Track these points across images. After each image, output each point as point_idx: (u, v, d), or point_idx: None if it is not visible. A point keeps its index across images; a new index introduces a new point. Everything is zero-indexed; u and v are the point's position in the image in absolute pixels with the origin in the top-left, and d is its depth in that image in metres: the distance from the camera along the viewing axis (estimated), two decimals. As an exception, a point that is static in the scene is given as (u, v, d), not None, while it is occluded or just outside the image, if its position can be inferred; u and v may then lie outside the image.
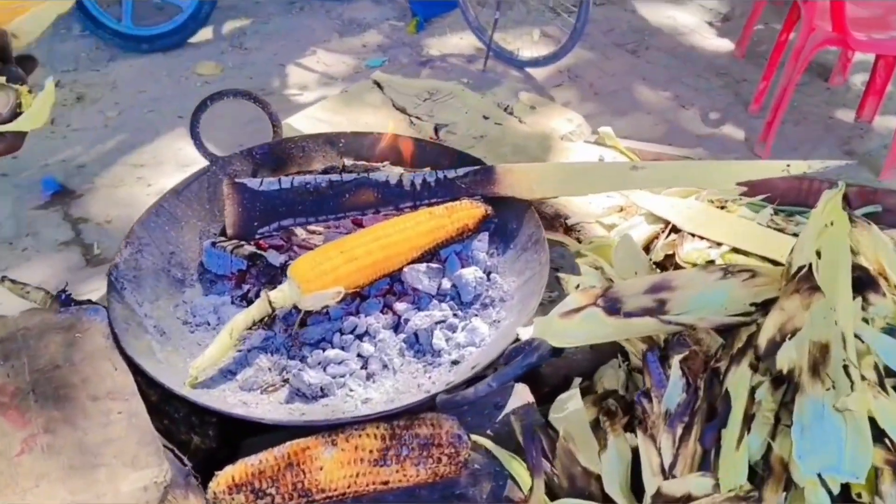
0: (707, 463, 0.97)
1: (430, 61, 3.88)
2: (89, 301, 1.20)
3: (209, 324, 1.25)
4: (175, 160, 3.11)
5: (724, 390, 1.02)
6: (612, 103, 3.68)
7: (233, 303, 1.28)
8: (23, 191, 3.14)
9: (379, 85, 1.97)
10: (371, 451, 0.99)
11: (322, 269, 1.21)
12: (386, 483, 1.00)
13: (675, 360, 1.01)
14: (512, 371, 0.98)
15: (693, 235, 1.44)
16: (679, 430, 0.97)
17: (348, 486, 0.98)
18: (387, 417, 1.03)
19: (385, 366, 1.19)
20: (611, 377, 1.25)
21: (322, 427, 1.02)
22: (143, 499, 0.93)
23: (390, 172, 1.36)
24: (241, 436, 1.10)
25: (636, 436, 1.04)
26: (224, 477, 0.97)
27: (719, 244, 1.43)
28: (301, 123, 1.83)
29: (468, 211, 1.31)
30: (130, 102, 3.52)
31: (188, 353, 1.19)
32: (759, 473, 0.99)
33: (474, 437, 1.10)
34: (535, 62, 3.79)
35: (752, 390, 1.01)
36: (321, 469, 0.97)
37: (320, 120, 1.84)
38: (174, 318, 1.25)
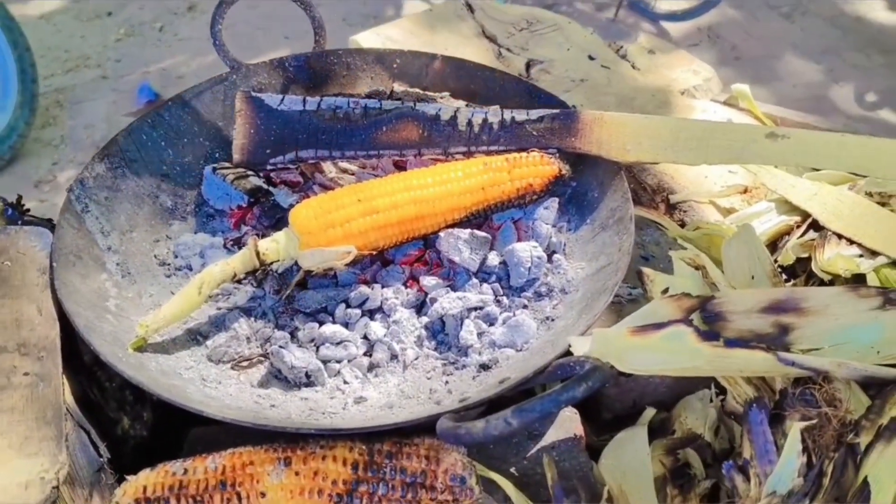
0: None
1: (556, 4, 3.50)
2: (42, 220, 0.96)
3: (191, 268, 0.99)
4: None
5: (863, 480, 0.67)
6: (754, 70, 3.24)
7: (225, 247, 1.02)
8: (120, 95, 3.07)
9: (470, 7, 1.64)
10: (335, 482, 0.71)
11: (330, 218, 0.92)
12: (351, 528, 0.72)
13: (795, 428, 0.67)
14: (542, 406, 0.66)
15: (840, 237, 1.06)
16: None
17: (297, 525, 0.71)
18: (366, 436, 0.74)
19: (394, 356, 0.90)
20: (696, 414, 0.92)
21: (278, 434, 0.75)
22: (19, 498, 0.68)
23: (444, 105, 1.05)
24: (187, 421, 0.84)
25: (718, 517, 0.72)
26: (133, 486, 0.71)
27: (875, 253, 1.05)
28: (369, 41, 1.53)
29: (536, 167, 0.99)
30: (240, 17, 3.34)
31: (154, 301, 0.94)
32: None
33: (492, 474, 0.80)
34: (673, 16, 3.38)
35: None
36: (263, 496, 0.70)
37: (392, 40, 1.54)
38: (149, 255, 1.00)
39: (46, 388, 0.76)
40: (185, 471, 0.72)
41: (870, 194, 1.15)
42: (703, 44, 3.39)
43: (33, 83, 2.81)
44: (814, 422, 0.67)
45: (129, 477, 0.72)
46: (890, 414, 0.70)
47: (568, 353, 0.80)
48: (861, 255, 1.05)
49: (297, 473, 0.71)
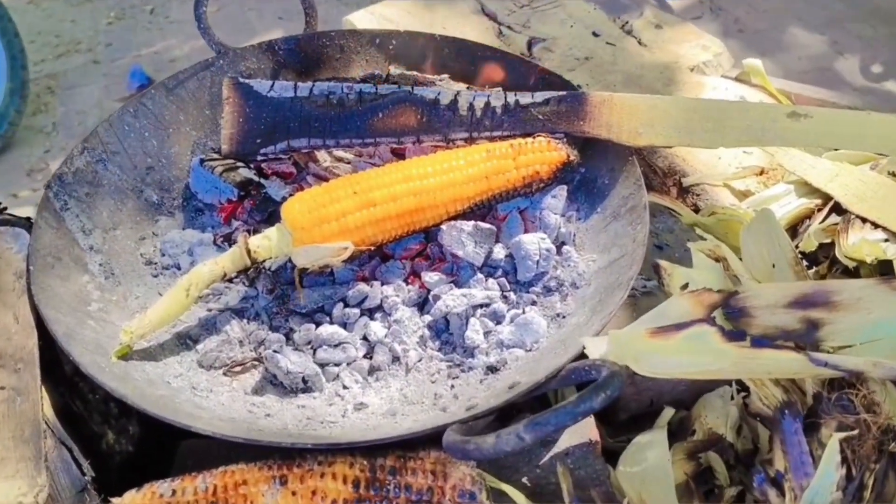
0: None
1: (556, -21, 3.42)
2: (19, 220, 0.90)
3: (179, 267, 0.94)
4: (268, 64, 2.88)
5: (906, 489, 0.62)
6: (758, 43, 3.17)
7: (215, 243, 0.96)
8: (111, 80, 3.01)
9: (469, -17, 1.57)
10: (335, 502, 0.66)
11: (325, 213, 0.87)
12: (354, 549, 0.67)
13: (834, 439, 0.62)
14: (556, 419, 0.61)
15: (864, 220, 1.01)
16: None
17: (295, 548, 0.66)
18: (367, 449, 0.69)
19: (396, 358, 0.85)
20: (718, 413, 0.87)
21: (276, 448, 0.70)
22: (-5, 526, 0.63)
23: (444, 89, 0.99)
24: (177, 435, 0.79)
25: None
26: (119, 508, 0.66)
27: (901, 237, 1.00)
28: (364, 21, 1.47)
29: (542, 153, 0.93)
30: (235, -1, 3.28)
31: (141, 304, 0.89)
32: None
33: (503, 486, 0.75)
34: (675, -12, 3.29)
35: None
36: (257, 518, 0.65)
37: (388, 19, 1.48)
38: (135, 254, 0.94)
39: (24, 403, 0.71)
40: (174, 492, 0.67)
41: (893, 174, 1.09)
42: (706, 16, 3.30)
43: (23, 70, 2.74)
44: (855, 432, 0.62)
45: (113, 500, 0.67)
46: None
47: (581, 354, 0.75)
48: (887, 240, 0.99)
49: (293, 493, 0.66)
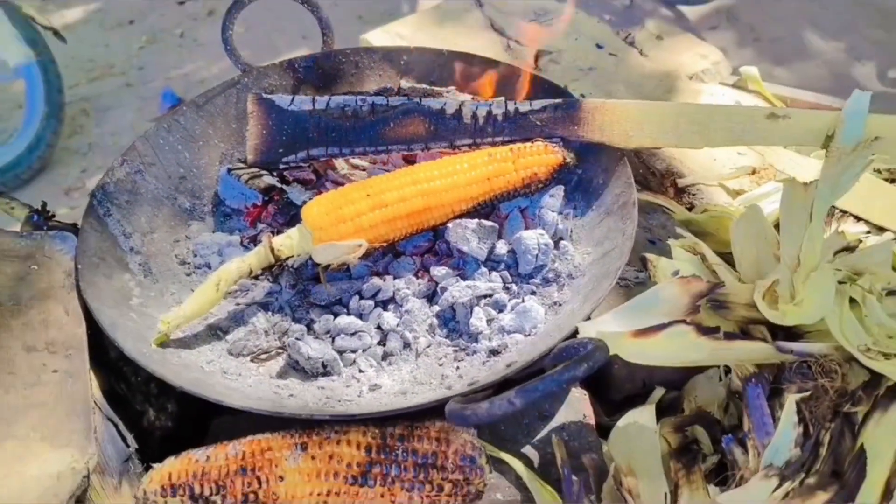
0: (821, 556, 0.65)
1: (573, -12, 3.50)
2: (66, 225, 1.00)
3: (210, 266, 1.03)
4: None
5: (860, 448, 0.69)
6: (774, 51, 3.22)
7: (242, 244, 1.05)
8: (144, 102, 3.13)
9: (479, 1, 1.66)
10: (350, 465, 0.74)
11: (341, 213, 0.95)
12: (367, 508, 0.75)
13: (791, 400, 0.69)
14: (544, 386, 0.69)
15: (848, 215, 1.07)
16: (778, 498, 0.65)
17: (315, 507, 0.74)
18: (379, 420, 0.77)
19: (407, 344, 0.93)
20: (706, 392, 0.94)
21: (297, 421, 0.78)
22: (52, 489, 0.72)
23: (449, 100, 1.07)
24: (210, 413, 0.88)
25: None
26: (159, 473, 0.75)
27: (882, 230, 1.06)
28: (379, 39, 1.56)
29: (540, 156, 1.01)
30: (258, 19, 3.40)
31: (176, 299, 0.98)
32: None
33: (502, 454, 0.82)
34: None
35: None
36: (281, 479, 0.73)
37: (402, 37, 1.57)
38: (170, 255, 1.04)
39: (75, 384, 0.80)
40: (208, 458, 0.75)
41: (878, 171, 1.15)
42: (722, 26, 3.36)
43: (59, 93, 2.87)
44: (809, 393, 0.69)
45: (155, 465, 0.76)
46: (887, 384, 0.72)
47: (574, 335, 0.82)
48: (868, 232, 1.06)
49: (313, 457, 0.74)
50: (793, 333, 0.82)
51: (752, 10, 3.41)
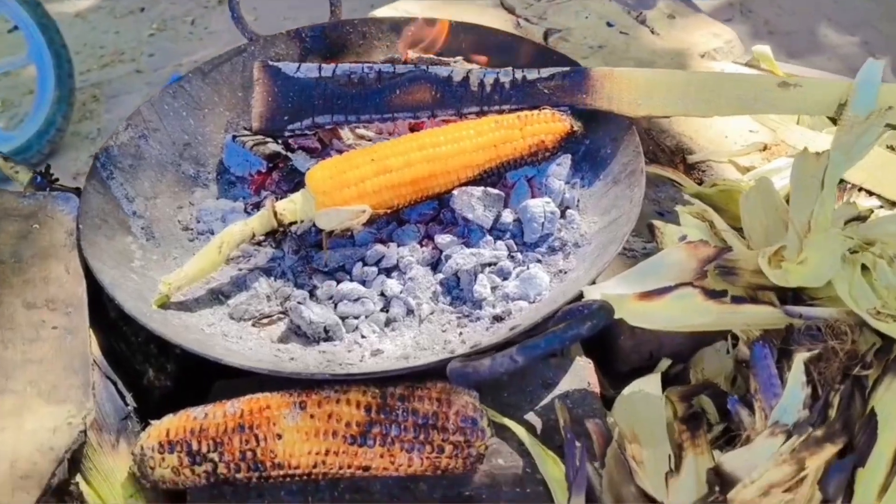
0: (828, 518, 0.64)
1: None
2: (69, 188, 0.99)
3: (213, 232, 1.02)
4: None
5: (870, 411, 0.67)
6: (788, 44, 3.19)
7: (246, 211, 1.04)
8: (154, 88, 3.12)
9: (489, -20, 1.65)
10: (349, 424, 0.73)
11: (345, 178, 0.94)
12: (367, 469, 0.74)
13: (799, 359, 0.67)
14: (546, 343, 0.68)
15: (859, 188, 1.05)
16: (786, 452, 0.64)
17: (314, 465, 0.73)
18: (380, 381, 0.76)
19: (410, 311, 0.92)
20: (713, 364, 0.92)
21: (297, 381, 0.77)
22: (48, 442, 0.71)
23: (456, 68, 1.06)
24: (211, 375, 0.87)
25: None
26: (157, 430, 0.74)
27: (894, 204, 1.04)
28: (387, 15, 1.55)
29: (547, 124, 1.00)
30: (270, 8, 3.39)
31: (178, 263, 0.97)
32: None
33: (505, 420, 0.81)
34: (705, -10, 3.33)
35: (918, 418, 0.67)
36: (279, 438, 0.72)
37: (410, 14, 1.55)
38: (173, 220, 1.03)
39: (74, 340, 0.79)
40: (206, 415, 0.74)
41: (891, 147, 1.13)
42: (736, 19, 3.33)
43: (70, 78, 2.87)
44: (817, 352, 0.67)
45: (153, 422, 0.75)
46: (900, 349, 0.70)
47: (578, 299, 0.81)
48: (881, 206, 1.04)
49: (311, 416, 0.73)
50: (801, 300, 0.80)
51: (766, 3, 3.38)
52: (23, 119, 2.75)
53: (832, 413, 0.65)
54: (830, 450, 0.60)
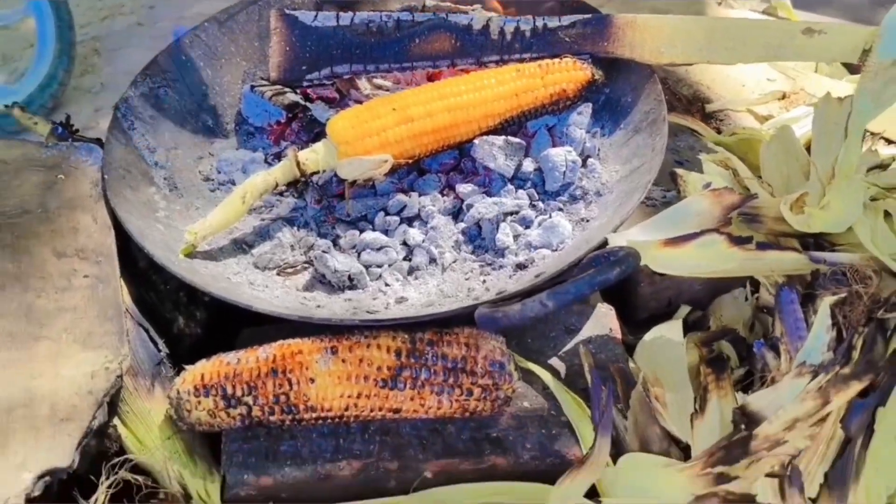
0: (848, 455, 0.66)
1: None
2: (91, 139, 0.99)
3: (234, 183, 1.02)
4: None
5: (892, 352, 0.69)
6: None
7: (266, 161, 1.04)
8: (156, 41, 3.08)
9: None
10: (379, 368, 0.74)
11: (367, 128, 0.94)
12: (397, 411, 0.75)
13: (825, 302, 0.68)
14: (576, 289, 0.69)
15: (887, 140, 1.06)
16: (813, 389, 0.65)
17: (345, 409, 0.75)
18: (408, 327, 0.78)
19: (433, 260, 0.93)
20: (732, 311, 0.94)
21: (323, 328, 0.79)
22: (86, 386, 0.73)
23: (476, 15, 1.05)
24: (238, 323, 0.88)
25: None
26: (192, 374, 0.76)
27: (916, 152, 1.04)
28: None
29: (568, 73, 0.99)
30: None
31: (201, 214, 0.98)
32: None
33: (530, 364, 0.83)
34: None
35: (939, 360, 0.68)
36: (312, 382, 0.74)
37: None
38: (194, 171, 1.03)
39: (106, 289, 0.81)
40: (239, 360, 0.76)
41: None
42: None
43: (70, 31, 2.83)
44: (843, 296, 0.68)
45: (187, 367, 0.77)
46: (923, 293, 0.71)
47: (602, 247, 0.82)
48: (902, 155, 1.04)
49: (343, 361, 0.75)
50: (822, 247, 0.81)
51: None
52: (24, 73, 2.72)
53: (855, 355, 0.66)
54: (856, 387, 0.62)
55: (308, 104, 1.07)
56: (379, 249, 0.94)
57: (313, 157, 0.94)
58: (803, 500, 0.64)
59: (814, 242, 0.80)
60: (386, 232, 0.95)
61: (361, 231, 0.96)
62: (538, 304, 0.68)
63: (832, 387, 0.64)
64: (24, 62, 2.85)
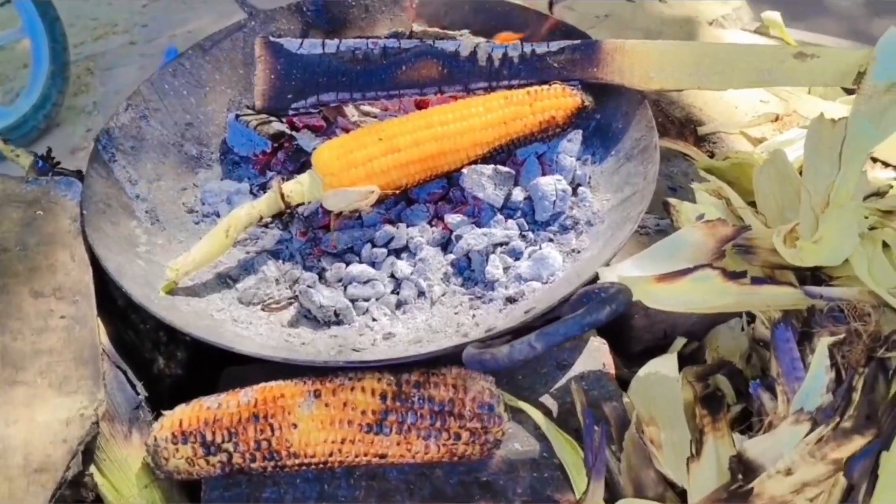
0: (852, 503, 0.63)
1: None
2: (71, 172, 0.97)
3: (219, 215, 1.00)
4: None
5: (894, 394, 0.66)
6: (792, 6, 3.13)
7: (251, 192, 1.02)
8: (148, 59, 3.09)
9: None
10: (364, 413, 0.72)
11: (352, 158, 0.92)
12: (383, 456, 0.73)
13: (823, 343, 0.66)
14: (565, 329, 0.66)
15: (878, 162, 1.04)
16: (811, 442, 0.63)
17: (329, 454, 0.72)
18: (394, 367, 0.75)
19: (421, 293, 0.90)
20: (728, 342, 0.91)
21: (307, 368, 0.76)
22: (61, 434, 0.71)
23: (463, 42, 1.03)
24: (221, 361, 0.86)
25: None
26: (170, 420, 0.73)
27: (913, 176, 1.03)
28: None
29: (558, 99, 0.97)
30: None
31: (184, 247, 0.96)
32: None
33: (521, 403, 0.80)
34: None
35: (943, 400, 0.66)
36: (294, 427, 0.72)
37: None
38: (177, 203, 1.01)
39: (83, 330, 0.78)
40: (219, 405, 0.73)
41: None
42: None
43: (64, 52, 2.83)
44: (842, 336, 0.66)
45: (165, 412, 0.74)
46: (924, 329, 0.69)
47: (593, 281, 0.79)
48: (896, 178, 1.02)
49: (326, 405, 0.72)
50: (820, 280, 0.79)
51: (769, -36, 3.33)
52: (18, 93, 2.72)
53: (856, 397, 0.64)
54: (859, 441, 0.59)
55: (294, 133, 1.05)
56: (366, 283, 0.91)
57: (298, 188, 0.92)
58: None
59: (811, 275, 0.78)
60: (373, 264, 0.93)
61: (348, 264, 0.94)
62: (527, 346, 0.66)
63: (835, 441, 0.61)
64: (18, 82, 2.85)
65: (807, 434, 0.62)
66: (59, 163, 1.02)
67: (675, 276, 0.74)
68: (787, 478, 0.61)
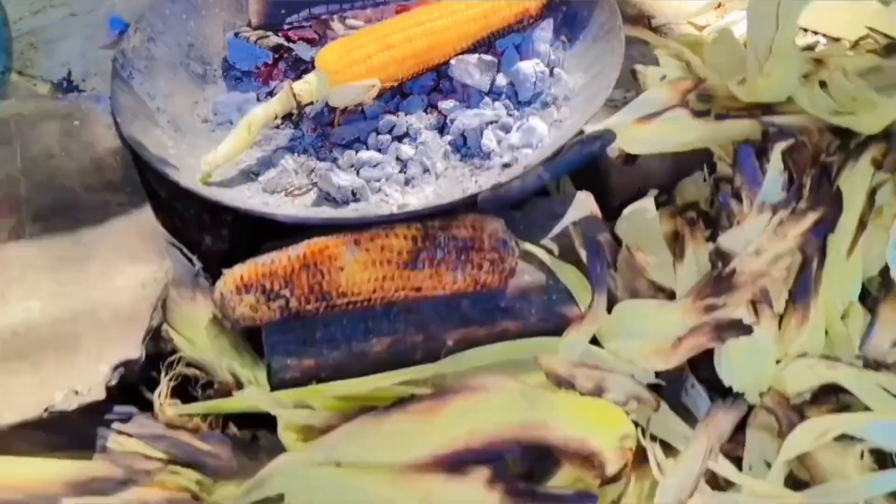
0: (807, 275, 0.78)
1: None
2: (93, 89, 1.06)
3: (232, 122, 1.10)
4: None
5: (836, 190, 0.81)
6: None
7: (258, 100, 1.12)
8: (91, 29, 3.07)
9: None
10: (400, 253, 0.84)
11: (352, 57, 1.03)
12: (418, 289, 0.85)
13: (777, 150, 0.81)
14: (567, 160, 0.79)
15: (808, 32, 1.19)
16: (774, 225, 0.78)
17: (373, 291, 0.84)
18: (420, 218, 0.87)
19: (426, 170, 1.02)
20: (693, 191, 1.06)
21: (346, 227, 0.88)
22: (139, 294, 0.81)
23: (439, -52, 1.14)
24: (259, 239, 0.97)
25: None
26: (231, 276, 0.84)
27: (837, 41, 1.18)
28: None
29: (530, -8, 1.10)
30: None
31: (206, 151, 1.05)
32: (870, 293, 0.81)
33: (526, 245, 0.93)
34: None
35: (873, 192, 0.81)
36: (342, 270, 0.83)
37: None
38: (192, 115, 1.11)
39: (140, 214, 0.88)
40: (272, 261, 0.84)
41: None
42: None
43: (5, 27, 2.80)
44: (792, 142, 0.81)
45: (225, 270, 0.85)
46: (856, 141, 0.84)
47: (578, 135, 0.92)
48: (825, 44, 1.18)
49: (367, 250, 0.84)
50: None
51: None
52: (-39, 74, 2.70)
53: (805, 192, 0.79)
54: (812, 217, 0.74)
55: (291, 45, 1.15)
56: (375, 166, 1.03)
57: (307, 87, 1.03)
58: (773, 315, 0.76)
59: (762, 114, 0.93)
60: (379, 150, 1.05)
61: (357, 152, 1.05)
62: (536, 177, 0.79)
63: (791, 220, 0.76)
64: (-42, 62, 2.82)
65: (769, 221, 0.76)
66: (73, 83, 1.10)
67: (650, 118, 0.88)
68: (758, 257, 0.75)
